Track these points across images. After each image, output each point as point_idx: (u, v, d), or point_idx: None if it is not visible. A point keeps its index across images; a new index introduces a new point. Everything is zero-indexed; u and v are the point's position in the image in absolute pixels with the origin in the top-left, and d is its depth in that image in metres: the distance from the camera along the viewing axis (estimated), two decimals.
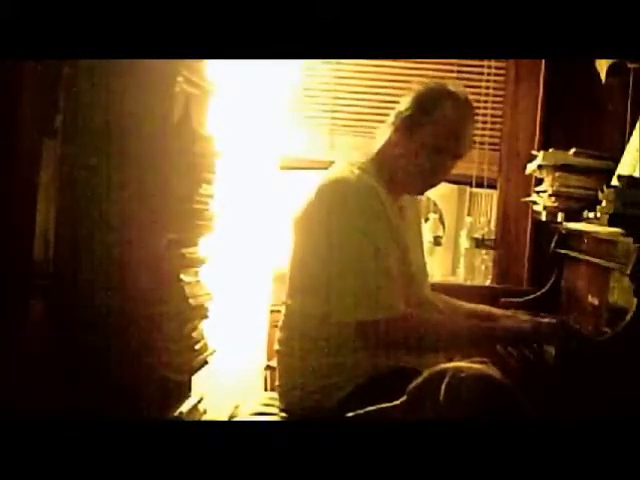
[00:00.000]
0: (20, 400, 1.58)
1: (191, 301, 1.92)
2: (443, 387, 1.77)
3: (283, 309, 2.22)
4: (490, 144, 3.37)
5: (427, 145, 2.10)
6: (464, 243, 3.34)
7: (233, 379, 2.72)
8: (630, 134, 2.54)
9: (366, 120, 3.32)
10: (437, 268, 3.40)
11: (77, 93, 1.70)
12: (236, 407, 2.22)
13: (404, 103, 2.14)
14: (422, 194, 2.28)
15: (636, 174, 2.31)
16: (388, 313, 2.01)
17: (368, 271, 2.02)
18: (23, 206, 1.63)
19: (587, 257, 2.40)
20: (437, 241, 3.36)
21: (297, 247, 2.15)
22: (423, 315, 2.12)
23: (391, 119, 2.15)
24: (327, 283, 2.04)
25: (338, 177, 2.11)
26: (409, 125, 2.12)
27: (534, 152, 2.97)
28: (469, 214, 3.42)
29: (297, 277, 2.15)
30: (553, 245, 2.74)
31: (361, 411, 1.90)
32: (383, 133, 2.17)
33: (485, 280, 3.36)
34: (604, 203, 2.22)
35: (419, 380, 1.86)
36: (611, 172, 2.51)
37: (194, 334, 1.98)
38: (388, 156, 2.16)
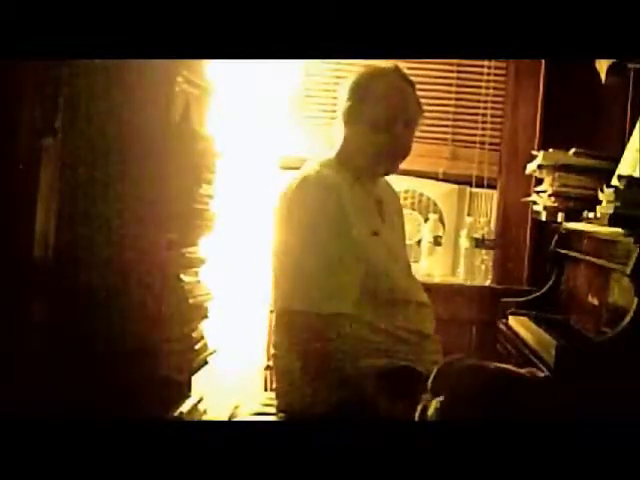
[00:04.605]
0: (20, 400, 1.58)
1: (191, 301, 1.92)
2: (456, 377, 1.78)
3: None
4: (490, 144, 3.37)
5: (377, 126, 2.13)
6: (464, 243, 3.34)
7: (233, 379, 2.72)
8: (630, 134, 2.54)
9: None
10: (437, 268, 3.40)
11: (77, 93, 1.70)
12: (236, 407, 2.22)
13: (342, 97, 2.18)
14: (394, 171, 2.27)
15: (636, 174, 2.31)
16: (313, 308, 2.02)
17: (304, 265, 2.04)
18: (23, 206, 1.63)
19: (587, 257, 2.40)
20: (437, 241, 3.36)
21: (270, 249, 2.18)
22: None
23: (338, 115, 2.20)
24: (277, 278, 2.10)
25: (297, 177, 2.14)
26: (353, 115, 2.16)
27: (534, 152, 2.97)
28: (469, 214, 3.42)
29: (272, 278, 2.18)
30: (553, 245, 2.74)
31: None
32: (337, 130, 2.21)
33: (485, 280, 3.36)
34: (604, 203, 2.22)
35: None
36: (611, 172, 2.51)
37: (194, 334, 1.98)
38: (347, 149, 2.19)
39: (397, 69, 2.19)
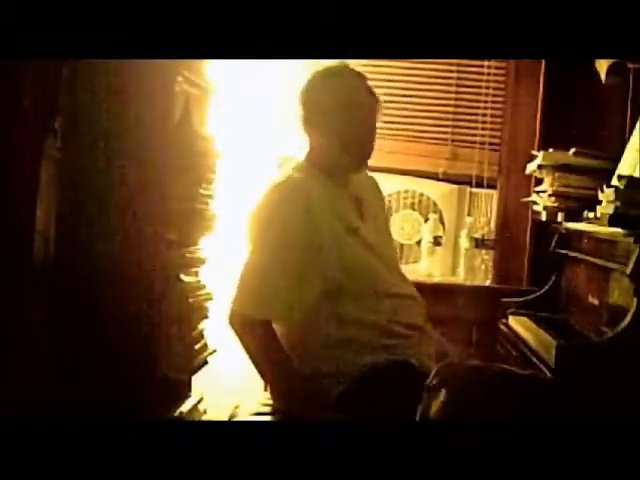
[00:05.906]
0: (20, 400, 1.58)
1: (191, 301, 1.92)
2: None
3: None
4: (490, 144, 3.37)
5: (335, 131, 2.13)
6: (464, 243, 3.34)
7: (233, 379, 2.72)
8: (630, 134, 2.54)
9: None
10: (437, 268, 3.40)
11: (77, 93, 1.70)
12: (236, 407, 2.22)
13: (299, 109, 2.18)
14: (365, 167, 2.27)
15: (636, 174, 2.31)
16: (248, 312, 2.03)
17: (247, 269, 2.06)
18: (23, 206, 1.63)
19: (587, 257, 2.40)
20: (437, 241, 3.36)
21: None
22: (267, 338, 2.07)
23: (299, 126, 2.20)
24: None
25: (269, 185, 2.15)
26: (311, 124, 2.17)
27: (534, 152, 2.97)
28: (469, 214, 3.42)
29: None
30: (553, 245, 2.74)
31: None
32: (304, 136, 2.22)
33: (485, 280, 3.36)
34: (604, 203, 2.22)
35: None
36: (611, 172, 2.51)
37: (194, 334, 1.98)
38: (314, 152, 2.20)
39: (345, 66, 2.17)
